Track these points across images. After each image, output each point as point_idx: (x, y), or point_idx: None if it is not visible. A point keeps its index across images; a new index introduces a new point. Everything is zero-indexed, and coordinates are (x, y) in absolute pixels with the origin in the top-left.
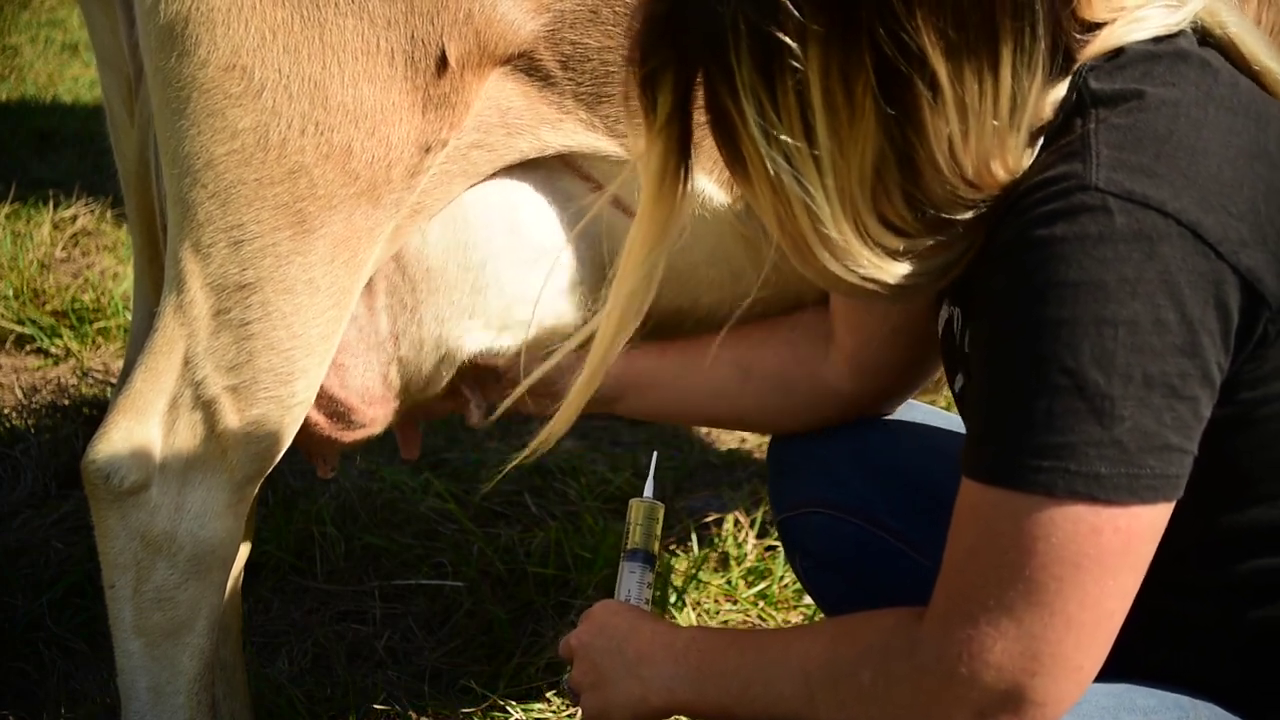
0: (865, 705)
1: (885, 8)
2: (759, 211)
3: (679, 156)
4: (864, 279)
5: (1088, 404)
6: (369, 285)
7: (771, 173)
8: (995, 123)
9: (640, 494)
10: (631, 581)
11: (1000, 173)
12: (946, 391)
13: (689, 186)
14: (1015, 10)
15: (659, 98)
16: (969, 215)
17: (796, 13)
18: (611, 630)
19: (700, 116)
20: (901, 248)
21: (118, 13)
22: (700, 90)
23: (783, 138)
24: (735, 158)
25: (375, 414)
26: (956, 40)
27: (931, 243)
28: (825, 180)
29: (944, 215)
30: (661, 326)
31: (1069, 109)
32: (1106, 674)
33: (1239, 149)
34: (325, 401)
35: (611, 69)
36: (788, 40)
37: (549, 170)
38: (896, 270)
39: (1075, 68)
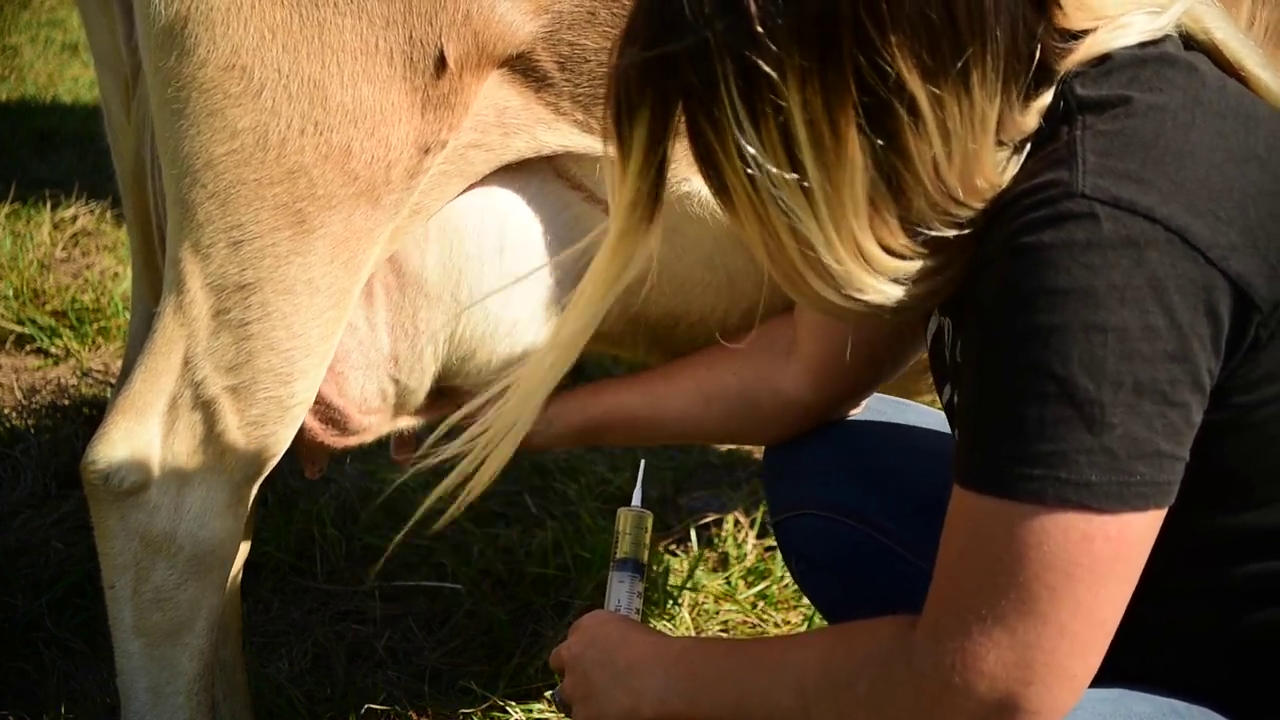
0: (862, 715)
1: (862, 36)
2: (746, 241)
3: (651, 194)
4: (860, 303)
5: (1078, 411)
6: (369, 298)
7: (758, 204)
8: (972, 145)
9: (630, 501)
10: (621, 591)
11: (984, 186)
12: None
13: (657, 223)
14: (984, 31)
15: (635, 133)
16: (960, 231)
17: (777, 47)
18: (602, 641)
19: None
20: (901, 271)
21: (116, 13)
22: (682, 126)
23: (769, 170)
24: (720, 190)
25: (370, 422)
26: (932, 65)
27: (930, 263)
28: (818, 211)
29: (936, 234)
30: (657, 329)
31: (1055, 116)
32: (1098, 678)
33: (1227, 153)
34: (321, 408)
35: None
36: (770, 73)
37: (541, 183)
38: (896, 293)
39: (1060, 75)
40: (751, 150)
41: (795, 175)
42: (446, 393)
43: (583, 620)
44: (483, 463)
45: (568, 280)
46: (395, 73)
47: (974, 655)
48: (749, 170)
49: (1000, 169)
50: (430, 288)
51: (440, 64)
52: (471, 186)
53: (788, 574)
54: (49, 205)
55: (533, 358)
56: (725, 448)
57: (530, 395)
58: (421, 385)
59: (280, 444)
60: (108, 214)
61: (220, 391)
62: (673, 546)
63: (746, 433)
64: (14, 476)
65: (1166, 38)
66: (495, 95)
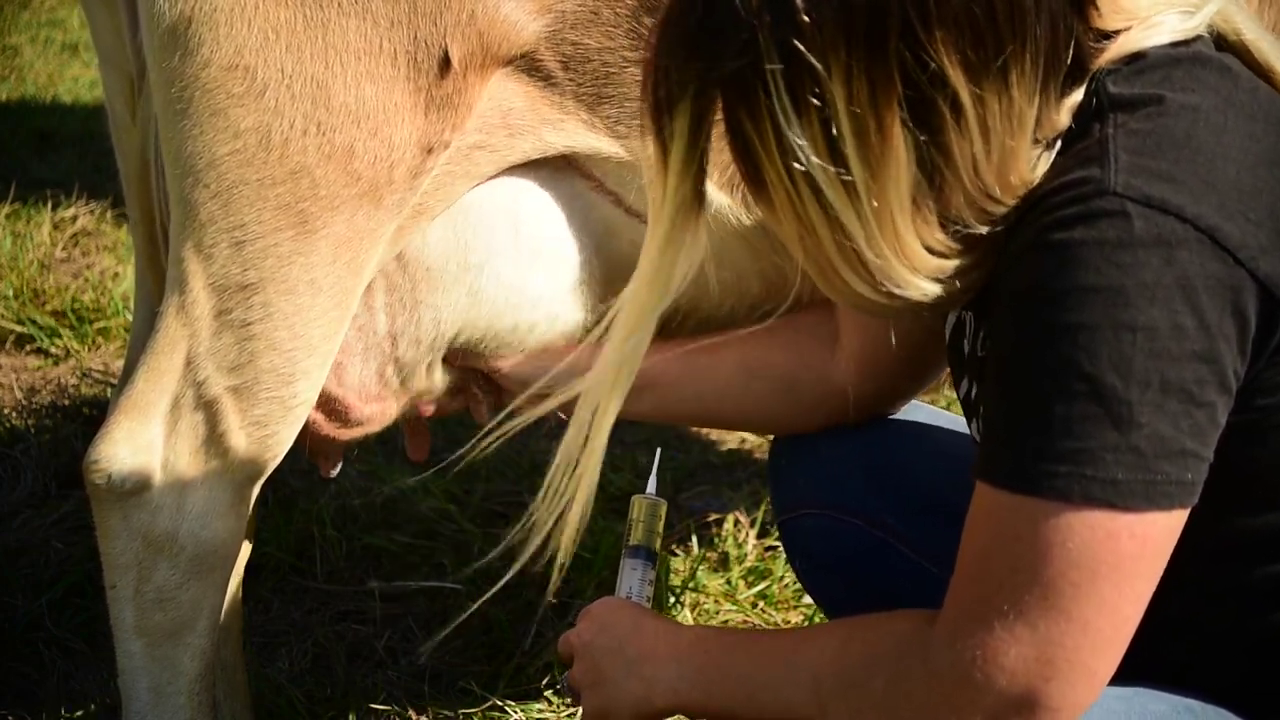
0: (878, 713)
1: (908, 30)
2: (780, 234)
3: (695, 192)
4: (897, 299)
5: (1105, 409)
6: (368, 283)
7: (795, 198)
8: (1010, 142)
9: (642, 491)
10: (633, 578)
11: (1017, 184)
12: (948, 392)
13: (702, 222)
14: (1025, 29)
15: (676, 127)
16: (993, 228)
17: (824, 40)
18: (613, 628)
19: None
20: (940, 268)
21: (121, 13)
22: (720, 117)
23: (811, 163)
24: (756, 183)
25: (372, 411)
26: (975, 61)
27: (965, 260)
28: (859, 205)
29: (972, 231)
30: (667, 324)
31: (1087, 114)
32: (1114, 676)
33: (1258, 155)
34: (322, 399)
35: (612, 70)
36: (816, 65)
37: (552, 169)
38: (933, 290)
39: (1092, 73)
40: (794, 143)
41: (838, 169)
42: (460, 387)
43: (593, 607)
44: (572, 499)
45: (577, 259)
46: (399, 73)
47: (995, 651)
48: (788, 163)
49: (1033, 166)
50: (432, 261)
51: (444, 64)
52: (478, 185)
53: (788, 574)
54: (49, 205)
55: (593, 377)
56: (726, 447)
57: (601, 413)
58: (423, 363)
59: (283, 444)
60: (108, 214)
61: (223, 391)
62: (673, 546)
63: (784, 416)
64: (14, 476)
65: (1199, 37)
66: (500, 96)
